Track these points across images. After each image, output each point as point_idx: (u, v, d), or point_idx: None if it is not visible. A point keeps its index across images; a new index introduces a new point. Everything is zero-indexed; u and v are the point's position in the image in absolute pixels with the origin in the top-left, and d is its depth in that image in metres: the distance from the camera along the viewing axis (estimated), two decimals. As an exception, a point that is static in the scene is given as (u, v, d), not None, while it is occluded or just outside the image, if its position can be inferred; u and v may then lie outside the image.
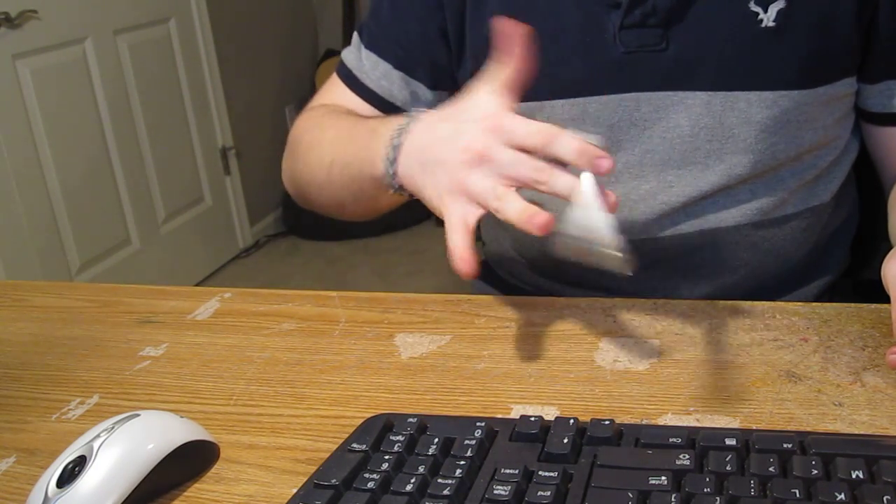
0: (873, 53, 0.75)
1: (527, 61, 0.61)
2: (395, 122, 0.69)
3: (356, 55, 0.89)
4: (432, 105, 0.88)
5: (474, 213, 0.60)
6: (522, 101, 0.80)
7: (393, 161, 0.67)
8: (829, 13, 0.72)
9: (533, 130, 0.59)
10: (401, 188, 0.68)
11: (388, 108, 0.87)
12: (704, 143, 0.76)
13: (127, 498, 0.51)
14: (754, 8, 0.72)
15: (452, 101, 0.65)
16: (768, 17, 0.72)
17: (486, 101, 0.62)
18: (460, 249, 0.59)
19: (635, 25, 0.74)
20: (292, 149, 0.88)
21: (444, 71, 0.85)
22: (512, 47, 0.61)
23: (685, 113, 0.75)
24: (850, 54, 0.75)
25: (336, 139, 0.79)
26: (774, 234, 0.80)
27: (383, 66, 0.86)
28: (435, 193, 0.63)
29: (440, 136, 0.64)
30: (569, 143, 0.57)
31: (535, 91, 0.79)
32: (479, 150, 0.60)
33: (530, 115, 0.79)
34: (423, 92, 0.87)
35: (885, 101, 0.78)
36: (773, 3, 0.72)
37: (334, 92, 0.90)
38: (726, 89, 0.74)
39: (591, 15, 0.75)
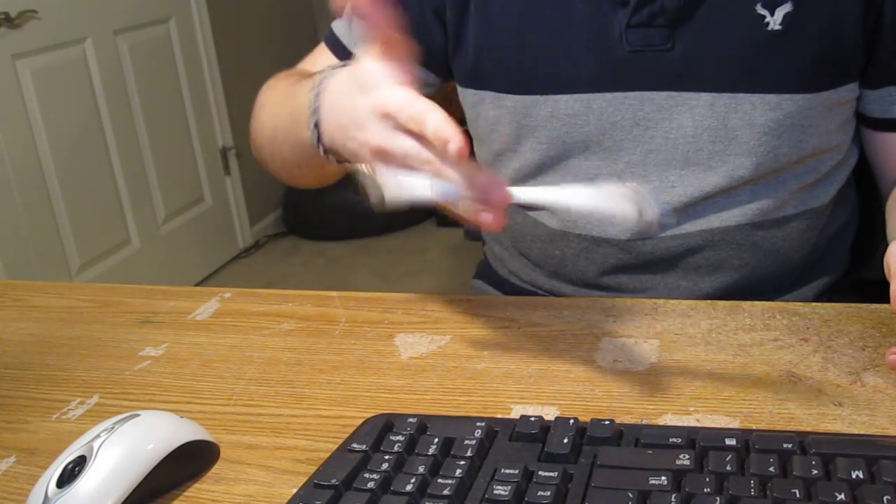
0: (876, 59, 0.75)
1: (389, 22, 0.58)
2: (311, 84, 0.66)
3: (347, 24, 0.88)
4: (418, 83, 0.86)
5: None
6: (525, 93, 0.80)
7: (315, 133, 0.65)
8: (835, 18, 0.72)
9: (412, 115, 0.56)
10: (335, 157, 0.66)
11: None
12: (707, 145, 0.76)
13: (127, 498, 0.51)
14: (761, 11, 0.72)
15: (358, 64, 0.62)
16: (775, 21, 0.72)
17: (375, 70, 0.59)
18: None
19: (642, 25, 0.74)
20: (254, 110, 0.86)
21: (437, 55, 0.84)
22: (371, 13, 0.58)
23: (689, 114, 0.75)
24: (854, 59, 0.75)
25: (276, 102, 0.77)
26: (775, 235, 0.80)
27: None
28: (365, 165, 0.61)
29: (344, 120, 0.62)
30: (433, 123, 0.54)
31: (539, 85, 0.79)
32: (376, 145, 0.58)
33: (532, 109, 0.79)
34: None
35: (885, 107, 0.78)
36: (779, 6, 0.72)
37: (320, 59, 0.89)
38: (731, 91, 0.74)
39: (599, 12, 0.75)
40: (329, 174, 0.75)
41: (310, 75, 0.81)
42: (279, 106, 0.76)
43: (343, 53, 0.87)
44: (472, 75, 0.84)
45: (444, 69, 0.86)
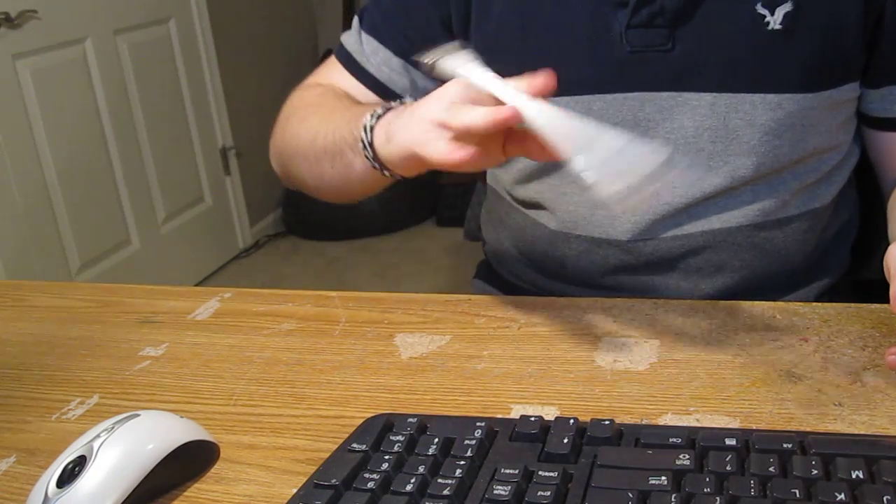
0: (877, 58, 0.75)
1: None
2: (388, 104, 0.70)
3: (356, 39, 0.89)
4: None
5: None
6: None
7: (376, 117, 0.68)
8: (835, 17, 0.72)
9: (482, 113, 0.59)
10: (371, 145, 0.68)
11: (387, 93, 0.87)
12: (708, 145, 0.76)
13: (127, 498, 0.51)
14: (761, 10, 0.72)
15: None
16: (775, 20, 0.72)
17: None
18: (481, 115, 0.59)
19: (642, 25, 0.74)
20: (283, 122, 0.87)
21: None
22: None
23: (689, 114, 0.75)
24: (855, 59, 0.75)
25: (330, 113, 0.79)
26: (776, 236, 0.80)
27: (384, 53, 0.86)
28: (403, 138, 0.64)
29: (405, 116, 0.65)
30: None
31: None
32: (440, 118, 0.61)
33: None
34: (423, 81, 0.87)
35: (886, 106, 0.78)
36: (780, 5, 0.72)
37: (332, 73, 0.90)
38: (731, 91, 0.74)
39: (598, 13, 0.75)
40: (354, 183, 0.76)
41: (342, 94, 0.84)
42: (329, 116, 0.78)
43: (355, 69, 0.88)
44: None
45: None
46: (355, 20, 0.90)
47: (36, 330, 0.79)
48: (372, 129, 0.68)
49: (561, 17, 0.77)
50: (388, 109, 0.68)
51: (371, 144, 0.68)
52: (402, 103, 0.69)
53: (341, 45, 0.90)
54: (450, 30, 0.83)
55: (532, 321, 0.71)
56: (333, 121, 0.76)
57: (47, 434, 0.62)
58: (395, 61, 0.86)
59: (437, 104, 0.62)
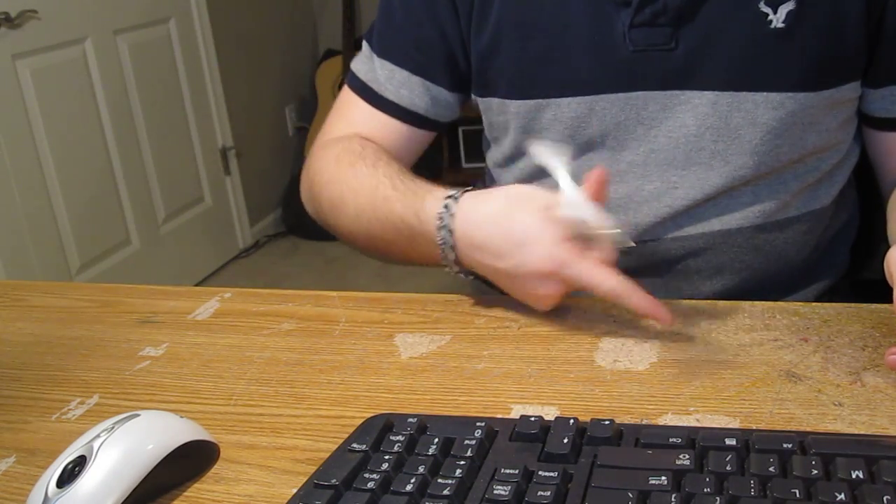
0: (878, 58, 0.75)
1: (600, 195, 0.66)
2: (433, 204, 0.70)
3: (369, 66, 0.87)
4: (452, 108, 0.87)
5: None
6: (529, 98, 0.80)
7: (452, 248, 0.69)
8: (838, 16, 0.72)
9: (599, 279, 0.63)
10: (460, 269, 0.71)
11: (410, 117, 0.85)
12: (710, 144, 0.76)
13: (127, 498, 0.51)
14: (764, 9, 0.72)
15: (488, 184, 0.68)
16: (778, 19, 0.72)
17: (536, 222, 0.65)
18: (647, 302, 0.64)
19: (645, 24, 0.74)
20: (314, 197, 0.85)
21: (463, 74, 0.85)
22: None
23: (692, 112, 0.75)
24: (857, 58, 0.75)
25: (364, 208, 0.78)
26: (776, 238, 0.80)
27: (400, 74, 0.85)
28: (523, 298, 0.69)
29: (501, 249, 0.67)
30: (638, 301, 0.63)
31: (542, 89, 0.79)
32: (549, 270, 0.64)
33: (536, 113, 0.80)
34: (444, 95, 0.86)
35: (888, 106, 0.78)
36: (782, 4, 0.72)
37: (351, 111, 0.88)
38: (733, 90, 0.74)
39: (601, 13, 0.75)
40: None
41: (366, 153, 0.82)
42: (367, 213, 0.78)
43: (372, 98, 0.86)
44: (478, 83, 0.84)
45: (469, 90, 0.87)
46: (365, 45, 0.88)
47: (36, 330, 0.79)
48: (457, 263, 0.71)
49: (562, 17, 0.77)
50: (448, 237, 0.69)
51: (460, 269, 0.72)
52: (447, 217, 0.69)
53: (353, 75, 0.89)
54: (464, 45, 0.82)
55: (532, 321, 0.71)
56: (382, 227, 0.76)
57: (47, 434, 0.62)
58: (414, 80, 0.84)
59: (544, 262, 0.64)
